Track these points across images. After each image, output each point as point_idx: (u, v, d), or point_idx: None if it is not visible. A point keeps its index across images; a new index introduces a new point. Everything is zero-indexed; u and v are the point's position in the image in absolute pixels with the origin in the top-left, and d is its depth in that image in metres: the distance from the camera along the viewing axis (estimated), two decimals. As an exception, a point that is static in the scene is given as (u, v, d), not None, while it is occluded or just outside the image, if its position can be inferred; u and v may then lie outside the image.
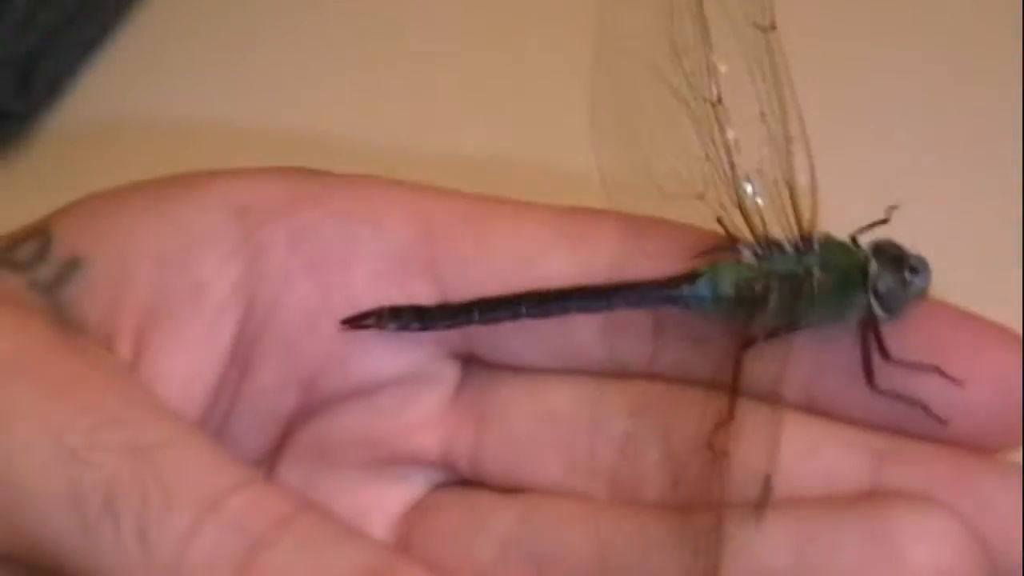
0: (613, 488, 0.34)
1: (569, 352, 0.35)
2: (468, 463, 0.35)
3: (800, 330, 0.32)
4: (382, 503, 0.35)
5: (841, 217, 0.33)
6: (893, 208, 0.33)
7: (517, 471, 0.35)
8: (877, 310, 0.32)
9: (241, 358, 0.34)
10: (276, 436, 0.35)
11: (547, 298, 0.33)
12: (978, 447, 0.32)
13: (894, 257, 0.32)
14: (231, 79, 0.54)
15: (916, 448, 0.32)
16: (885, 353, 0.32)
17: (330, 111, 0.52)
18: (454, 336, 0.35)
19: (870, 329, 0.32)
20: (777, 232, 0.33)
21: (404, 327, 0.34)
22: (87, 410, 0.31)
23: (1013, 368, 0.31)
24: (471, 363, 0.36)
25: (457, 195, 0.35)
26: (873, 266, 0.32)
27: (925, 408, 0.32)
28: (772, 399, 0.31)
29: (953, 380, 0.31)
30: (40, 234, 0.34)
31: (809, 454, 0.32)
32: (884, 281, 0.32)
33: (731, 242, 0.33)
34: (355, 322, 0.34)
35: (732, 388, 0.32)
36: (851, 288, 0.32)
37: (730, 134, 0.33)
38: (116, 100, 0.53)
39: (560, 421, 0.34)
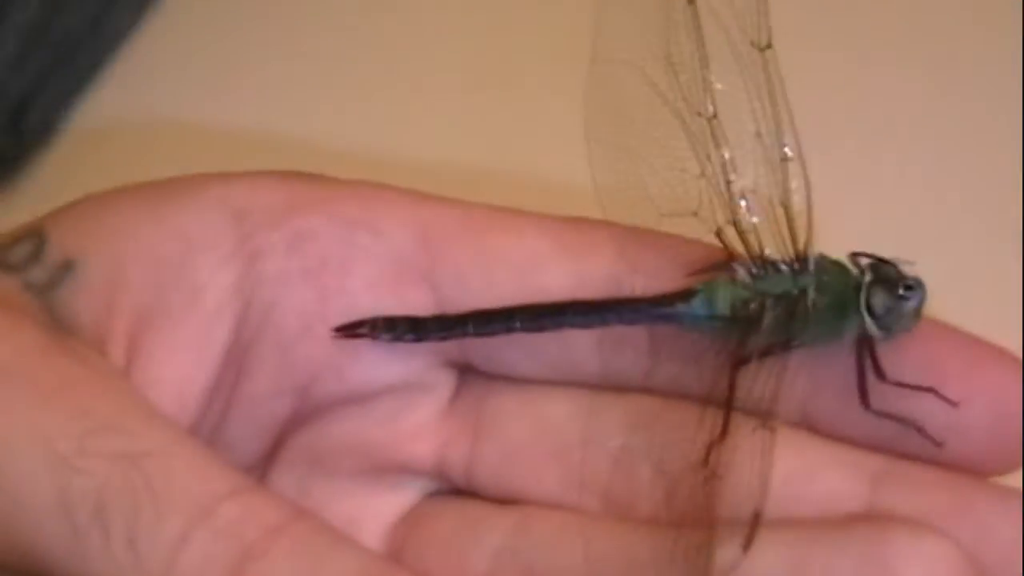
0: (606, 502, 0.34)
1: (565, 365, 0.35)
2: (462, 473, 0.35)
3: (795, 349, 0.32)
4: (375, 511, 0.35)
5: (837, 236, 0.33)
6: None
7: (511, 482, 0.35)
8: (872, 329, 0.32)
9: (236, 362, 0.34)
10: (270, 441, 0.35)
11: (542, 312, 0.33)
12: (975, 470, 0.32)
13: (889, 277, 0.32)
14: (228, 89, 0.54)
15: (914, 471, 0.32)
16: (880, 373, 0.32)
17: (330, 119, 0.52)
18: (450, 345, 0.35)
19: (865, 349, 0.32)
20: (772, 251, 0.33)
21: (398, 338, 0.34)
22: (79, 416, 0.30)
23: (1010, 390, 0.31)
24: (467, 372, 0.36)
25: (457, 203, 0.35)
26: (868, 285, 0.32)
27: (920, 429, 0.32)
28: (767, 418, 0.31)
29: (949, 402, 0.31)
30: (34, 235, 0.34)
31: (806, 475, 0.32)
32: (879, 300, 0.32)
33: (728, 259, 0.33)
34: (348, 330, 0.34)
35: (726, 406, 0.32)
36: (846, 308, 0.32)
37: (725, 152, 0.33)
38: (117, 114, 0.53)
39: (555, 433, 0.34)
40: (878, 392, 0.32)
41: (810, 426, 0.33)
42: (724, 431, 0.32)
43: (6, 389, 0.31)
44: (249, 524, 0.30)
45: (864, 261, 0.33)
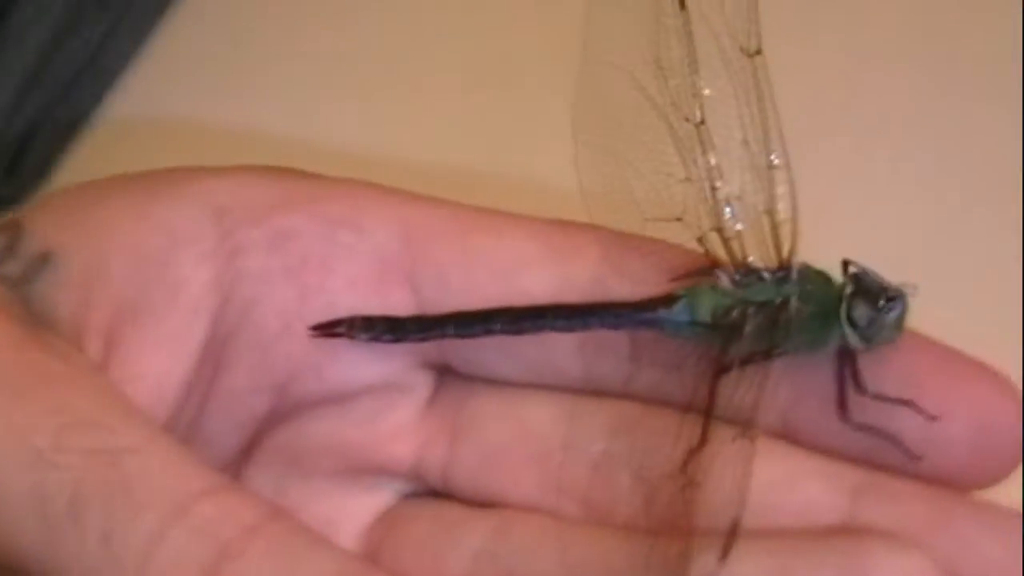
0: (585, 508, 0.34)
1: (545, 368, 0.34)
2: (440, 475, 0.35)
3: (776, 358, 0.32)
4: (351, 511, 0.35)
5: (830, 244, 0.33)
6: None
7: (489, 485, 0.34)
8: (853, 341, 0.32)
9: (214, 358, 0.34)
10: (247, 439, 0.35)
11: (523, 315, 0.33)
12: (956, 484, 0.32)
13: (872, 288, 0.32)
14: (241, 91, 0.54)
15: (895, 484, 0.32)
16: (860, 385, 0.32)
17: (330, 119, 0.52)
18: (429, 347, 0.35)
19: (846, 360, 0.32)
20: (756, 259, 0.33)
21: (376, 338, 0.34)
22: (55, 411, 0.30)
23: (990, 404, 0.31)
24: (446, 373, 0.35)
25: (441, 203, 0.35)
26: (849, 297, 0.32)
27: (898, 443, 0.32)
28: (747, 426, 0.31)
29: (928, 415, 0.31)
30: (12, 227, 0.34)
31: (787, 485, 0.32)
32: (860, 312, 0.32)
33: (711, 266, 0.33)
34: (326, 329, 0.34)
35: (706, 414, 0.32)
36: (828, 318, 0.32)
37: (712, 158, 0.33)
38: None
39: (535, 437, 0.34)
40: (859, 404, 0.32)
41: (791, 436, 0.33)
42: (703, 439, 0.31)
43: None
44: (225, 523, 0.29)
45: (852, 270, 0.32)
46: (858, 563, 0.30)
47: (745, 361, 0.32)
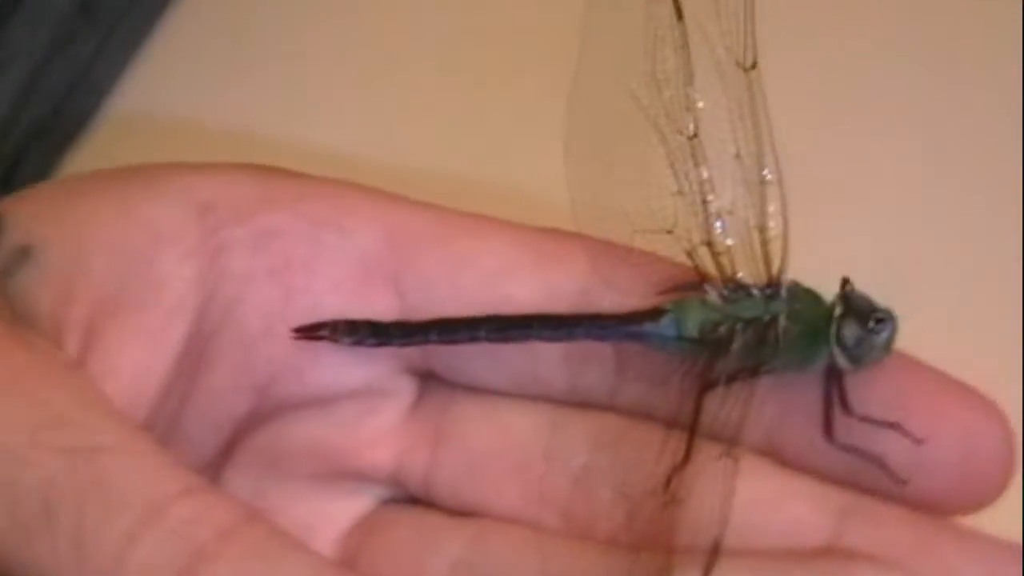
0: (566, 520, 0.33)
1: (529, 378, 0.34)
2: (420, 482, 0.35)
3: (762, 376, 0.32)
4: (330, 516, 0.35)
5: (811, 264, 0.32)
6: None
7: (470, 494, 0.34)
8: (841, 361, 0.32)
9: (194, 357, 0.34)
10: (226, 439, 0.35)
11: (508, 323, 0.33)
12: (941, 508, 0.32)
13: (860, 308, 0.32)
14: (243, 91, 0.54)
15: (880, 509, 0.32)
16: (846, 406, 0.32)
17: (313, 122, 0.52)
18: (414, 352, 0.34)
19: (833, 380, 0.32)
20: (745, 275, 0.33)
21: (359, 342, 0.33)
22: (31, 408, 0.30)
23: (977, 429, 0.31)
24: (429, 380, 0.35)
25: (428, 207, 0.35)
26: (839, 316, 0.32)
27: (883, 465, 0.31)
28: (732, 444, 0.31)
29: (914, 438, 0.31)
30: None
31: (772, 504, 0.32)
32: (849, 332, 0.32)
33: (699, 280, 0.33)
34: (309, 332, 0.33)
35: (690, 431, 0.31)
36: (816, 337, 0.32)
37: (704, 171, 0.33)
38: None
39: (517, 447, 0.34)
40: (845, 425, 0.32)
41: (775, 454, 0.33)
42: (687, 456, 0.31)
43: None
44: (201, 525, 0.29)
45: (841, 291, 0.32)
46: None
47: (731, 378, 0.32)
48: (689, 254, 0.33)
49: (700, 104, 0.33)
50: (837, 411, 0.32)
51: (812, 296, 0.33)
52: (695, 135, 0.33)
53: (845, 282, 0.32)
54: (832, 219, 0.45)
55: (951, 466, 0.31)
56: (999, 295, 0.47)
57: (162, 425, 0.33)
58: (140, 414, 0.33)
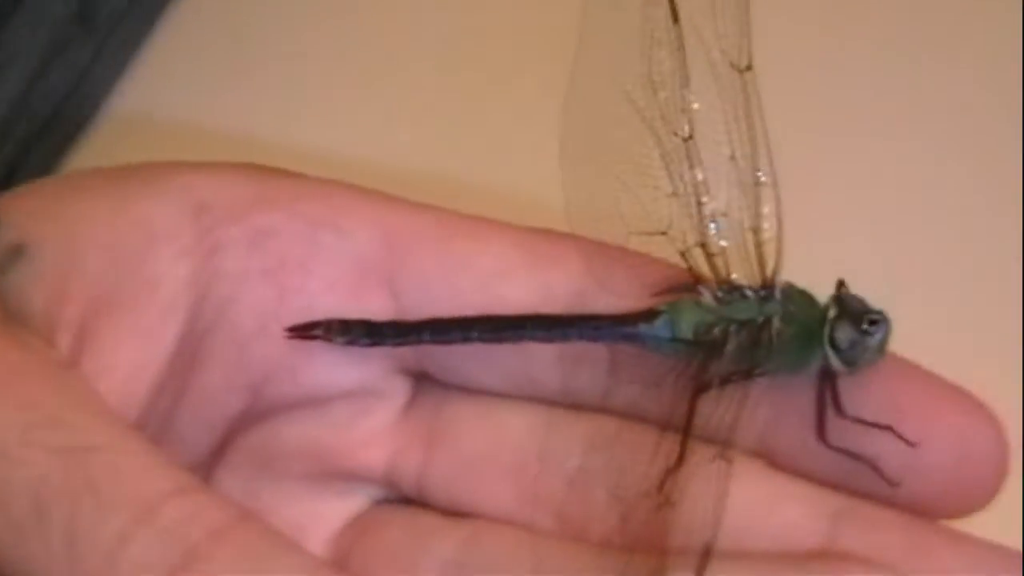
0: (560, 522, 0.33)
1: (523, 379, 0.34)
2: (414, 482, 0.35)
3: (756, 378, 0.32)
4: (322, 516, 0.35)
5: (807, 265, 0.32)
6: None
7: (463, 495, 0.34)
8: (835, 363, 0.32)
9: (188, 356, 0.33)
10: (219, 439, 0.35)
11: (502, 324, 0.33)
12: (934, 512, 0.32)
13: (854, 310, 0.32)
14: (241, 94, 0.54)
15: (875, 512, 0.32)
16: (839, 408, 0.32)
17: (309, 123, 0.52)
18: (407, 352, 0.34)
19: (827, 382, 0.32)
20: (740, 276, 0.33)
21: (352, 341, 0.33)
22: (23, 407, 0.30)
23: (971, 433, 0.31)
24: (423, 381, 0.35)
25: (423, 208, 0.35)
26: (832, 318, 0.32)
27: (876, 468, 0.31)
28: (725, 446, 0.31)
29: (907, 441, 0.31)
30: None
31: (766, 507, 0.32)
32: (843, 334, 0.32)
33: (694, 281, 0.33)
34: (302, 331, 0.33)
35: (684, 434, 0.31)
36: (810, 339, 0.32)
37: (699, 173, 0.33)
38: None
39: (511, 448, 0.34)
40: (839, 427, 0.32)
41: (768, 457, 0.33)
42: (681, 458, 0.31)
43: None
44: (194, 525, 0.29)
45: (836, 293, 0.32)
46: None
47: (725, 380, 0.32)
48: (683, 255, 0.33)
49: (695, 106, 0.33)
50: (830, 413, 0.32)
51: (806, 298, 0.33)
52: (690, 137, 0.33)
53: (840, 284, 0.32)
54: (830, 221, 0.45)
55: (944, 470, 0.31)
56: (999, 296, 0.47)
57: (155, 424, 0.33)
58: (133, 413, 0.33)
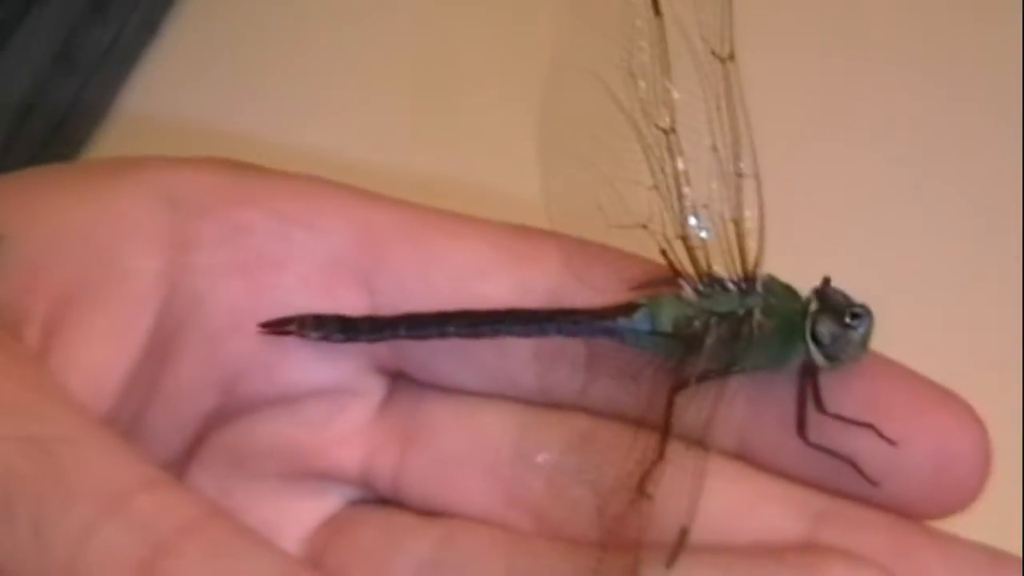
0: (536, 520, 0.33)
1: (500, 376, 0.34)
2: (389, 482, 0.34)
3: (737, 374, 0.32)
4: (296, 516, 0.34)
5: (792, 259, 0.32)
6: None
7: (439, 495, 0.34)
8: (817, 357, 0.31)
9: (159, 352, 0.33)
10: (191, 437, 0.34)
11: (479, 319, 0.33)
12: (915, 512, 0.31)
13: (837, 303, 0.31)
14: (243, 97, 0.54)
15: (856, 512, 0.31)
16: (820, 405, 0.31)
17: (311, 125, 0.52)
18: (383, 350, 0.34)
19: (808, 378, 0.31)
20: (721, 269, 0.32)
21: (326, 337, 0.33)
22: None
23: (954, 434, 0.31)
24: (399, 380, 0.35)
25: (400, 204, 0.34)
26: (814, 311, 0.31)
27: (855, 467, 0.31)
28: (702, 441, 0.31)
29: (888, 440, 0.31)
30: None
31: (746, 511, 0.32)
32: (825, 328, 0.31)
33: (674, 275, 0.33)
34: (276, 327, 0.33)
35: (663, 430, 0.31)
36: (791, 333, 0.32)
37: (680, 164, 0.32)
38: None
39: (487, 447, 0.34)
40: (819, 425, 0.31)
41: (747, 456, 0.32)
42: (659, 455, 0.31)
43: None
44: (162, 519, 0.28)
45: (817, 286, 0.32)
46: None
47: (705, 376, 0.32)
48: (662, 253, 0.33)
49: (676, 96, 0.32)
50: (811, 410, 0.31)
51: (788, 291, 0.32)
52: (672, 130, 0.33)
53: (826, 281, 0.32)
54: (829, 220, 0.45)
55: (925, 469, 0.31)
56: (999, 295, 0.47)
57: (126, 420, 0.33)
58: (102, 408, 0.32)
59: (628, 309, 0.32)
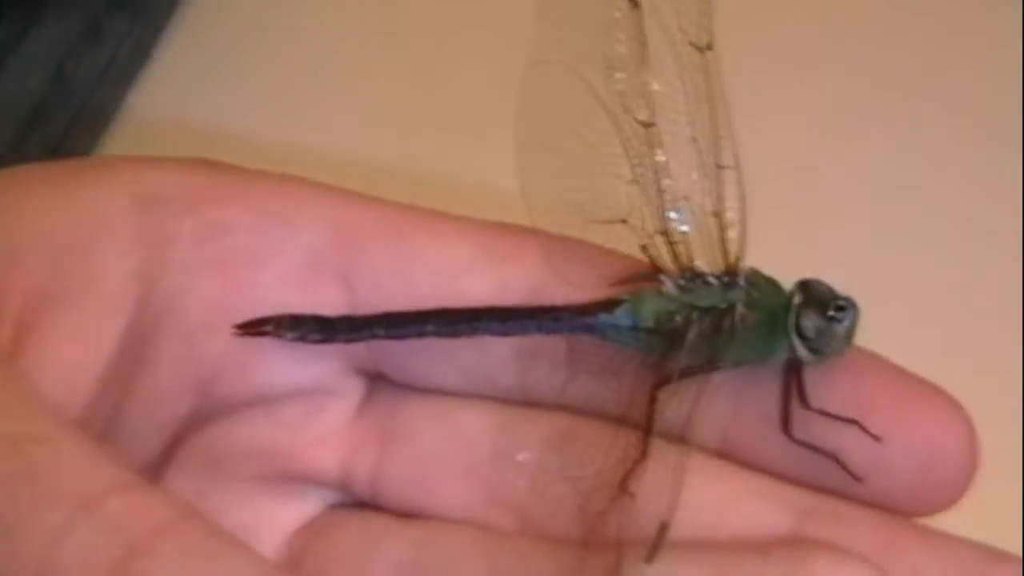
0: (518, 520, 0.33)
1: (480, 376, 0.33)
2: (367, 485, 0.34)
3: (719, 370, 0.31)
4: (274, 519, 0.34)
5: (775, 253, 0.32)
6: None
7: (418, 497, 0.34)
8: (801, 351, 0.31)
9: (134, 353, 0.33)
10: (168, 439, 0.34)
11: (458, 317, 0.32)
12: (900, 509, 0.31)
13: (821, 296, 0.31)
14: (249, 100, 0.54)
15: (842, 509, 0.31)
16: (805, 400, 0.31)
17: (308, 126, 0.52)
18: (361, 351, 0.34)
19: (792, 373, 0.31)
20: (703, 263, 0.32)
21: (302, 337, 0.33)
22: None
23: (939, 430, 0.31)
24: (378, 381, 0.34)
25: (378, 202, 0.34)
26: (798, 304, 0.31)
27: (839, 462, 0.31)
28: (683, 437, 0.31)
29: (872, 436, 0.30)
30: None
31: (731, 507, 0.32)
32: (809, 322, 0.31)
33: (655, 270, 0.32)
34: (252, 328, 0.33)
35: (646, 427, 0.31)
36: (775, 326, 0.31)
37: (660, 156, 0.32)
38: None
39: (467, 448, 0.33)
40: (803, 421, 0.31)
41: (731, 454, 0.32)
42: (642, 452, 0.31)
43: None
44: (136, 520, 0.28)
45: (801, 278, 0.32)
46: (801, 569, 0.30)
47: (687, 371, 0.31)
48: (642, 249, 0.33)
49: (655, 87, 0.32)
50: (795, 405, 0.31)
51: (771, 284, 0.32)
52: (651, 122, 0.32)
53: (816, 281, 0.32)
54: (827, 220, 0.45)
55: (910, 467, 0.31)
56: (999, 295, 0.47)
57: (102, 420, 0.33)
58: (76, 410, 0.32)
59: (609, 305, 0.32)
